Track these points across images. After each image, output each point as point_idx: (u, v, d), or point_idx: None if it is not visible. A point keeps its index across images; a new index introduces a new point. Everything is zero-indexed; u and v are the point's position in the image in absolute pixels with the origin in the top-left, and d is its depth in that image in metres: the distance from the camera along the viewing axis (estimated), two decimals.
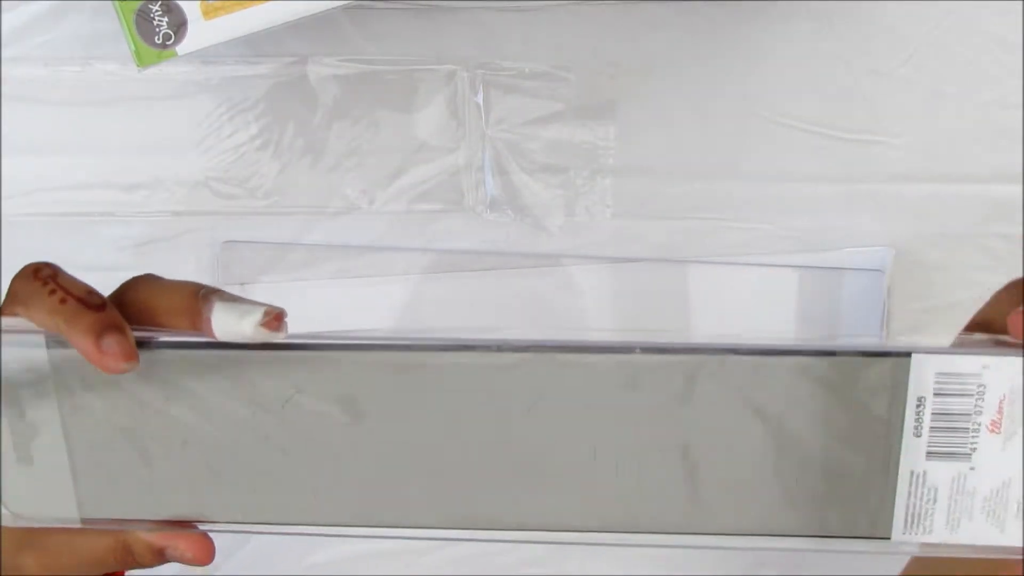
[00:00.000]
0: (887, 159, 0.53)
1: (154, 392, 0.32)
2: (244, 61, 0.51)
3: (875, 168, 0.53)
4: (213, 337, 0.31)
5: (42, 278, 0.32)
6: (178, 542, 0.33)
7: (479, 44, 0.52)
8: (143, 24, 0.40)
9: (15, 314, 0.31)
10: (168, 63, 0.41)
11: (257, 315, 0.31)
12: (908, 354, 0.31)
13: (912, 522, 0.32)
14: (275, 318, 0.31)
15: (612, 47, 0.52)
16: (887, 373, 0.31)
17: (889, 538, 0.33)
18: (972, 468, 0.32)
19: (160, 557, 0.34)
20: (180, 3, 0.40)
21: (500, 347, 0.31)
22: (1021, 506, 0.32)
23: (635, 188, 0.54)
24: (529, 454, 0.32)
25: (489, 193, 0.53)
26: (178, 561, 0.34)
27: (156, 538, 0.33)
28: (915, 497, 0.32)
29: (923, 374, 0.31)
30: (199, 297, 0.32)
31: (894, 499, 0.32)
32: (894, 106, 0.53)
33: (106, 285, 0.56)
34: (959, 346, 0.31)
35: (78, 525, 0.33)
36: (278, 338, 0.31)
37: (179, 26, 0.41)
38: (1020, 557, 0.32)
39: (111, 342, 0.30)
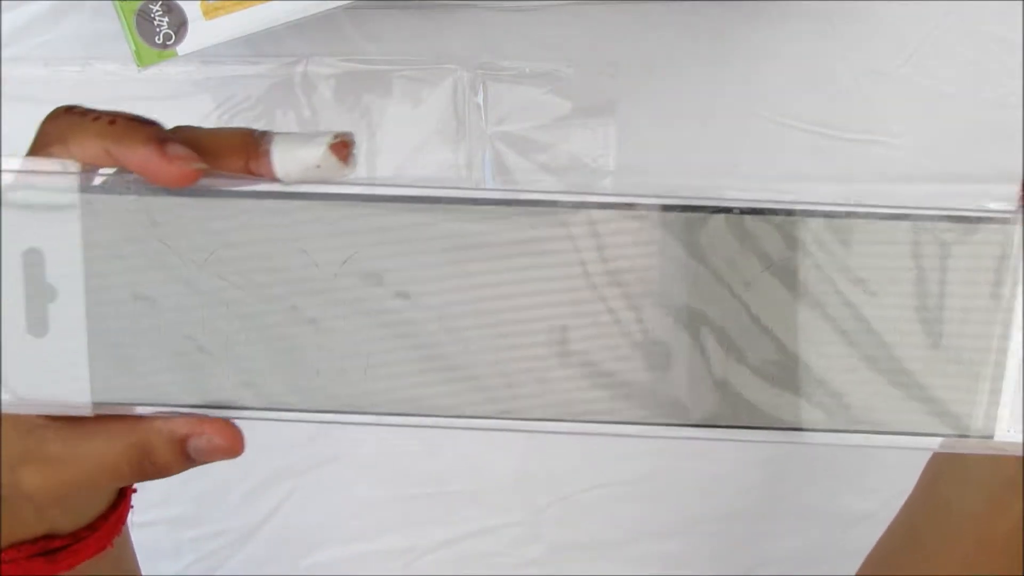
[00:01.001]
0: (887, 159, 0.53)
1: (191, 249, 0.27)
2: (244, 61, 0.51)
3: (875, 168, 0.53)
4: (272, 176, 0.27)
5: (78, 112, 0.28)
6: (204, 427, 0.29)
7: (479, 44, 0.52)
8: (143, 24, 0.40)
9: (50, 155, 0.28)
10: (168, 63, 0.41)
11: (326, 138, 0.27)
12: (1017, 216, 0.27)
13: (1020, 418, 0.28)
14: (343, 143, 0.27)
15: (612, 47, 0.52)
16: (995, 243, 0.27)
17: (992, 436, 0.28)
18: None
19: (183, 456, 0.29)
20: (180, 3, 0.40)
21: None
22: None
23: (635, 188, 0.54)
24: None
25: None
26: (204, 455, 0.29)
27: (179, 424, 0.29)
28: None
29: None
30: (255, 135, 0.28)
31: (1000, 391, 0.28)
32: (894, 106, 0.53)
33: None
34: None
35: (89, 412, 0.28)
36: (346, 173, 0.27)
37: (179, 26, 0.41)
38: None
39: (175, 146, 0.27)
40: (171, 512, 0.56)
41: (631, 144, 0.53)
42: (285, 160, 0.27)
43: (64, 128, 0.28)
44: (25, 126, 0.52)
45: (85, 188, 0.27)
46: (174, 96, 0.52)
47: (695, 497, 0.59)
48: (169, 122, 0.55)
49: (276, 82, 0.52)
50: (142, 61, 0.41)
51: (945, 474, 0.37)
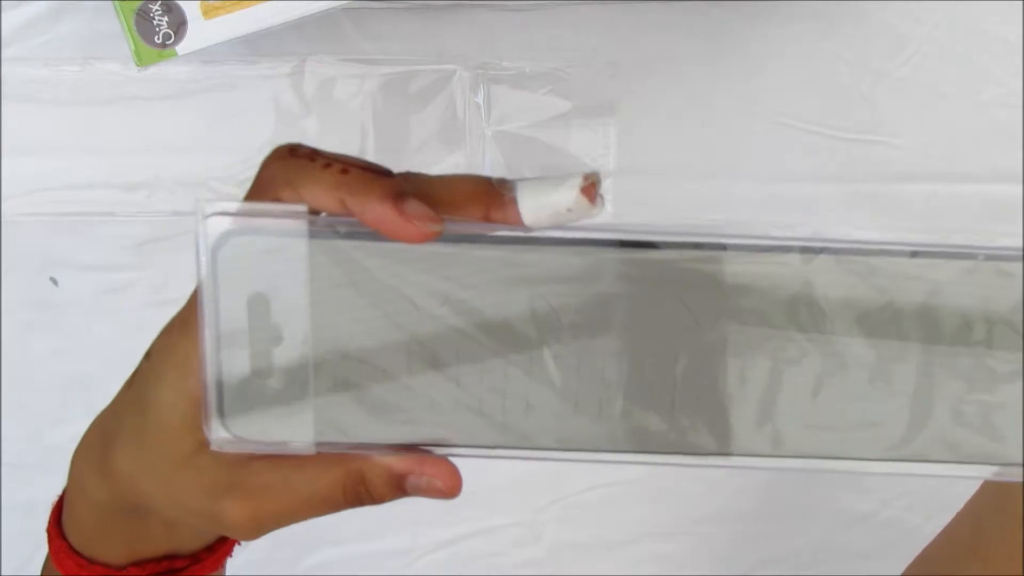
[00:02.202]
0: (887, 159, 0.53)
1: (426, 292, 0.27)
2: (244, 61, 0.51)
3: (875, 168, 0.53)
4: (519, 224, 0.26)
5: (305, 155, 0.27)
6: (424, 467, 0.29)
7: (479, 44, 0.52)
8: (143, 24, 0.40)
9: (277, 199, 0.27)
10: (168, 63, 0.41)
11: (576, 180, 0.26)
12: None
13: None
14: (592, 184, 0.26)
15: (612, 47, 0.52)
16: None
17: None
18: None
19: (399, 489, 0.29)
20: (180, 3, 0.40)
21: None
22: None
23: (635, 188, 0.54)
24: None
25: None
26: (422, 492, 0.29)
27: (399, 463, 0.28)
28: None
29: None
30: (494, 183, 0.27)
31: None
32: (894, 106, 0.53)
33: (107, 285, 0.57)
34: None
35: (312, 451, 0.28)
36: (596, 213, 0.26)
37: (179, 26, 0.41)
38: None
39: (415, 204, 0.26)
40: None
41: (631, 144, 0.53)
42: (534, 207, 0.26)
43: (293, 173, 0.27)
44: (25, 126, 0.52)
45: (313, 233, 0.27)
46: (174, 96, 0.52)
47: (695, 497, 0.59)
48: (169, 122, 0.55)
49: (276, 82, 0.52)
50: (142, 61, 0.41)
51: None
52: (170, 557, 0.32)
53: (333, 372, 0.28)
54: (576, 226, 0.27)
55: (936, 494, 0.54)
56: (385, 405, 0.28)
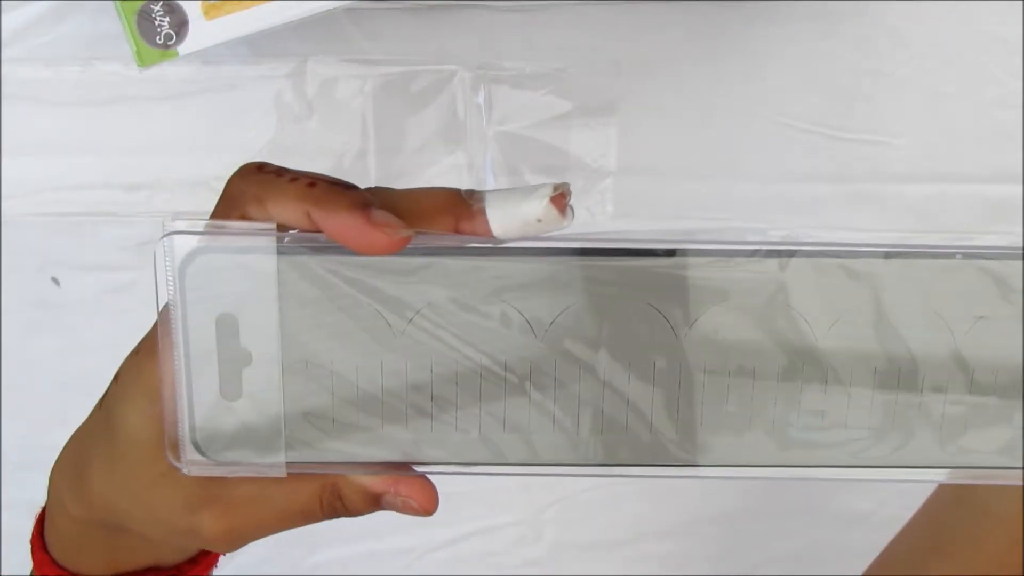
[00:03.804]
0: (887, 159, 0.53)
1: (398, 306, 0.27)
2: (245, 61, 0.51)
3: (875, 168, 0.53)
4: (487, 235, 0.26)
5: (272, 171, 0.27)
6: (400, 487, 0.28)
7: (479, 44, 0.52)
8: (144, 24, 0.41)
9: (244, 216, 0.27)
10: (169, 63, 0.41)
11: (544, 191, 0.26)
12: None
13: None
14: (562, 195, 0.26)
15: (612, 47, 0.52)
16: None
17: None
18: None
19: (375, 505, 0.29)
20: (181, 3, 0.40)
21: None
22: None
23: (635, 188, 0.54)
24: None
25: None
26: (398, 510, 0.29)
27: (374, 483, 0.28)
28: None
29: None
30: (462, 195, 0.27)
31: None
32: (894, 106, 0.53)
33: (108, 286, 0.57)
34: None
35: (282, 473, 0.28)
36: (565, 224, 0.26)
37: (180, 26, 0.41)
38: None
39: (381, 213, 0.26)
40: None
41: (632, 144, 0.53)
42: (502, 217, 0.26)
43: (259, 188, 0.27)
44: (25, 126, 0.52)
45: (282, 250, 0.26)
46: (175, 96, 0.52)
47: (695, 497, 0.59)
48: (170, 122, 0.55)
49: (276, 82, 0.52)
50: (143, 61, 0.41)
51: None
52: (153, 569, 0.32)
53: (304, 391, 0.28)
54: (547, 236, 0.27)
55: None
56: (358, 424, 0.28)
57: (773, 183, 0.54)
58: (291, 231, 0.27)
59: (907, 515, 0.59)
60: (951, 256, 0.28)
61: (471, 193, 0.27)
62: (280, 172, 0.27)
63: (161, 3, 0.40)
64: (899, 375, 0.28)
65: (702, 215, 0.54)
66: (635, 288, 0.27)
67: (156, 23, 0.40)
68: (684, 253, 0.27)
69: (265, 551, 0.57)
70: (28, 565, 0.51)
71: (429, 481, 0.29)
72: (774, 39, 0.52)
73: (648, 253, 0.27)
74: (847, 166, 0.53)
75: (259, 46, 0.51)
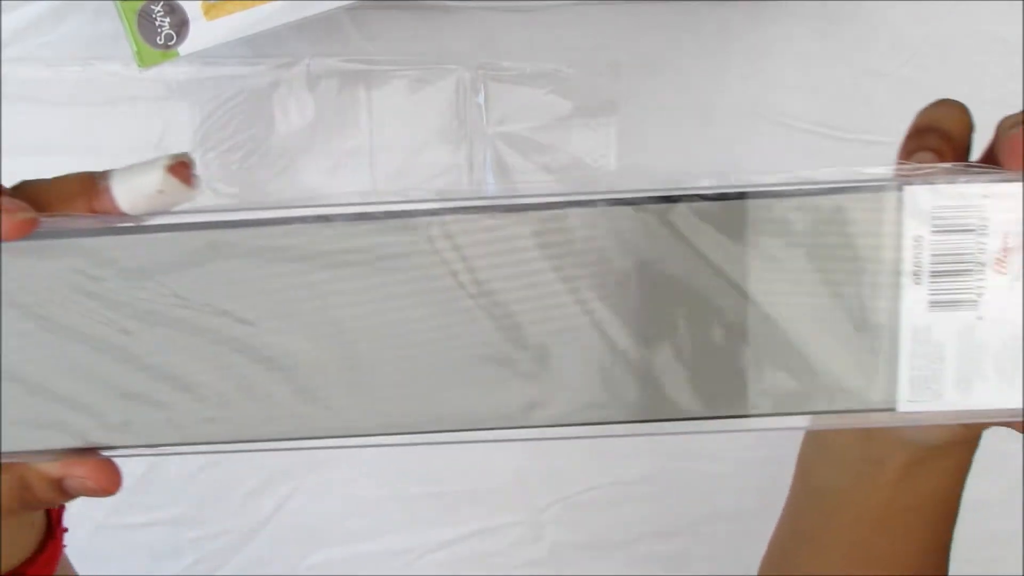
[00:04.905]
0: (887, 159, 0.53)
1: (67, 288, 0.27)
2: (245, 61, 0.51)
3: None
4: (118, 212, 0.27)
5: None
6: (75, 469, 0.29)
7: (480, 44, 0.52)
8: (145, 24, 0.41)
9: None
10: (169, 63, 0.41)
11: (161, 162, 0.26)
12: (900, 187, 0.27)
13: (918, 387, 0.28)
14: (181, 164, 0.27)
15: (612, 47, 0.52)
16: (879, 211, 0.27)
17: (894, 408, 0.28)
18: (980, 318, 0.27)
19: (62, 492, 0.30)
20: (181, 3, 0.40)
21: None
22: None
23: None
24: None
25: (490, 192, 0.53)
26: (81, 493, 0.30)
27: (52, 468, 0.29)
28: (920, 357, 0.28)
29: (918, 209, 0.27)
30: (93, 175, 0.28)
31: (897, 361, 0.28)
32: (894, 106, 0.53)
33: None
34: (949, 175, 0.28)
35: None
36: (193, 195, 0.27)
37: (181, 26, 0.41)
38: None
39: (8, 200, 0.27)
40: (172, 512, 0.56)
41: (632, 144, 0.53)
42: (127, 192, 0.27)
43: None
44: (25, 126, 0.52)
45: None
46: (175, 96, 0.52)
47: (695, 497, 0.59)
48: (170, 122, 0.55)
49: (276, 82, 0.52)
50: (143, 61, 0.41)
51: (815, 460, 0.38)
52: None
53: None
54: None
55: None
56: (35, 410, 0.28)
57: None
58: None
59: None
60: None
61: (103, 173, 0.28)
62: None
63: (161, 3, 0.40)
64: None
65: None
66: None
67: (156, 23, 0.40)
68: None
69: (265, 551, 0.57)
70: None
71: (111, 463, 0.29)
72: (774, 39, 0.52)
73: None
74: (847, 166, 0.53)
75: (259, 46, 0.51)
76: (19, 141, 0.52)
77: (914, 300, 0.27)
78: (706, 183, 0.28)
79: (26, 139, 0.52)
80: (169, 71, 0.51)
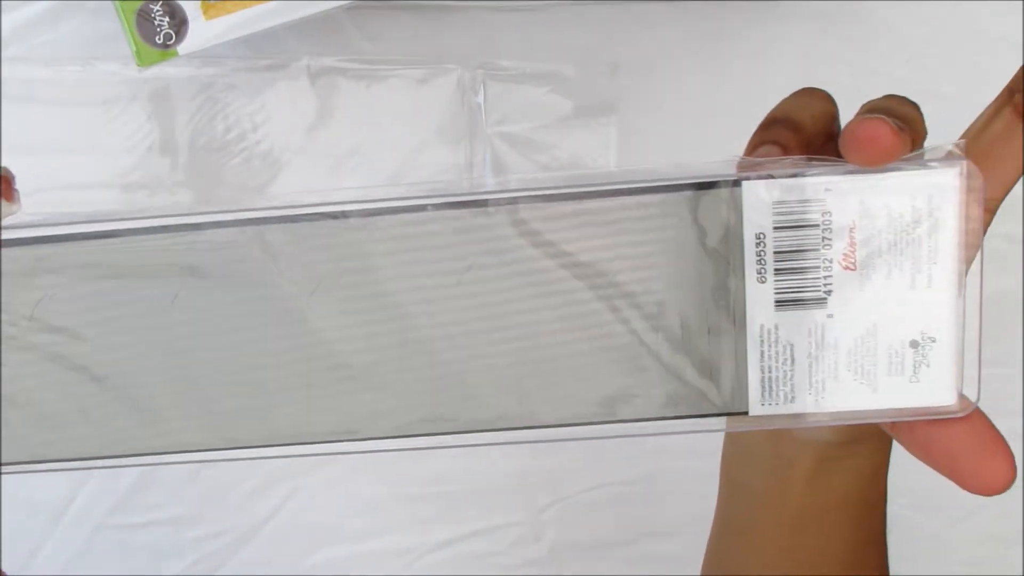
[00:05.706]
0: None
1: None
2: (244, 61, 0.51)
3: None
4: None
5: None
6: None
7: (479, 44, 0.52)
8: (144, 24, 0.41)
9: None
10: (169, 63, 0.41)
11: None
12: (738, 182, 0.26)
13: (769, 390, 0.27)
14: (1, 179, 0.26)
15: (612, 47, 0.52)
16: (717, 208, 0.26)
17: (747, 412, 0.27)
18: (830, 316, 0.26)
19: None
20: (181, 3, 0.40)
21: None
22: (896, 356, 0.26)
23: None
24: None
25: None
26: None
27: None
28: (769, 359, 0.27)
29: (758, 204, 0.26)
30: None
31: (745, 363, 0.27)
32: None
33: None
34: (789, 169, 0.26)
35: None
36: (13, 209, 0.26)
37: (180, 26, 0.41)
38: (902, 419, 0.27)
39: None
40: (173, 512, 0.56)
41: (631, 144, 0.53)
42: None
43: None
44: (25, 126, 0.52)
45: None
46: (174, 96, 0.52)
47: (695, 497, 0.59)
48: (171, 122, 0.55)
49: (276, 82, 0.52)
50: (143, 61, 0.41)
51: (734, 459, 0.38)
52: None
53: None
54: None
55: (936, 492, 0.54)
56: None
57: None
58: None
59: (909, 514, 0.59)
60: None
61: None
62: None
63: (161, 3, 0.40)
64: None
65: None
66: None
67: (156, 23, 0.40)
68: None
69: (265, 551, 0.57)
70: (28, 565, 0.51)
71: None
72: (774, 39, 0.52)
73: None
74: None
75: (259, 46, 0.51)
76: (18, 141, 0.52)
77: (759, 299, 0.26)
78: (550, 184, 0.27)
79: (25, 139, 0.52)
80: (168, 70, 0.51)
